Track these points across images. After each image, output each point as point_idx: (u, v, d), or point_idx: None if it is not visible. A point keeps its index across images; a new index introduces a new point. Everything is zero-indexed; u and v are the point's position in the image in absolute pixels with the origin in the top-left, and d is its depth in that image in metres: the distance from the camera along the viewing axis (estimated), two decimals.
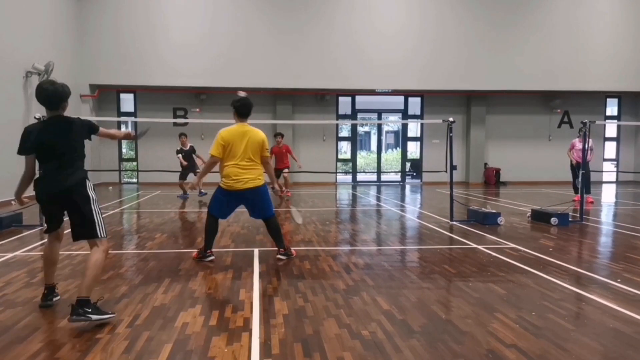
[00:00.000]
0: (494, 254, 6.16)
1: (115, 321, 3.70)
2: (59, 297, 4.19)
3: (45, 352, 3.16)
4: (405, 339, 3.41)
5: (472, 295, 4.41)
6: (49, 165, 3.86)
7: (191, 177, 12.59)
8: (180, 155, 12.91)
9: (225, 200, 5.65)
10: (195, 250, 6.04)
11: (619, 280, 4.92)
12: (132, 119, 18.27)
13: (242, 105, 5.59)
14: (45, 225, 4.13)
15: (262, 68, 17.16)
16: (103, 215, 3.98)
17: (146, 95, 18.17)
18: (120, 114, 18.43)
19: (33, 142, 3.85)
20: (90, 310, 3.61)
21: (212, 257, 5.79)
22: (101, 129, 4.21)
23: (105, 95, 17.93)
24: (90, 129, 4.07)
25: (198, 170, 12.48)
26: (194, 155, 13.08)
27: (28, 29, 12.93)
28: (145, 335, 3.45)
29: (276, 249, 5.96)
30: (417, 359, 3.08)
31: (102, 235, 3.89)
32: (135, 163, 18.67)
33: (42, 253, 6.20)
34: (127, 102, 18.60)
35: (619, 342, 3.36)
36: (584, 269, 5.43)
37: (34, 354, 3.14)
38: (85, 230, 3.87)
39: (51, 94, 3.86)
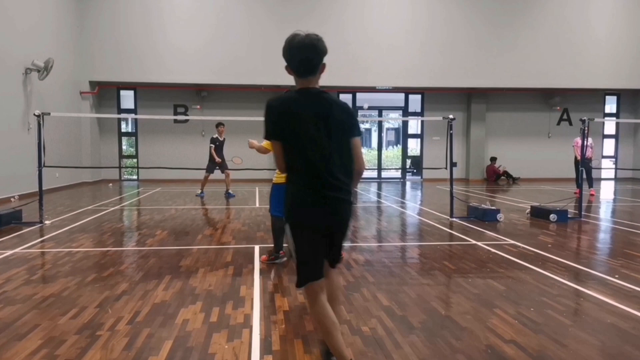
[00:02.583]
0: (493, 250, 6.18)
1: (115, 318, 3.71)
2: None
3: (45, 349, 3.17)
4: (405, 334, 3.43)
5: (472, 292, 4.43)
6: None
7: (217, 173, 12.43)
8: (212, 145, 12.12)
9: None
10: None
11: (616, 276, 4.94)
12: (133, 115, 18.30)
13: None
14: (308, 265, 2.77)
15: (262, 65, 17.11)
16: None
17: (146, 92, 18.15)
18: (121, 110, 18.44)
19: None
20: None
21: (285, 258, 5.54)
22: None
23: (105, 92, 17.92)
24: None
25: (227, 170, 12.30)
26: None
27: (28, 26, 12.90)
28: (145, 332, 3.47)
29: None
30: (417, 355, 3.10)
31: None
32: (135, 160, 18.66)
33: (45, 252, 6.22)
34: (127, 98, 18.58)
35: (617, 338, 3.38)
36: (582, 265, 5.45)
37: (34, 351, 3.15)
38: None
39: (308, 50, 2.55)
